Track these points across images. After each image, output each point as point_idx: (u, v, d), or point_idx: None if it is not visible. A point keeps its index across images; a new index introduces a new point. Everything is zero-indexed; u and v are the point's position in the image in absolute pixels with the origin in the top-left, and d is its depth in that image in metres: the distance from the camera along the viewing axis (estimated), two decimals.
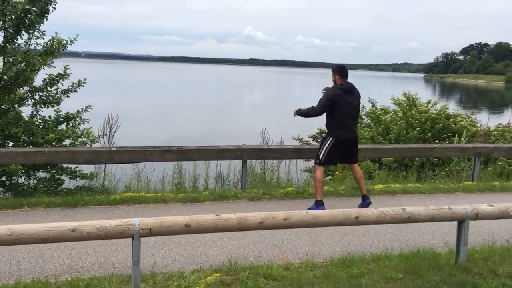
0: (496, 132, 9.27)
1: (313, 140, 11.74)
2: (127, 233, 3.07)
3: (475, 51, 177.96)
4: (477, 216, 3.90)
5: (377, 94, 11.18)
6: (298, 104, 6.20)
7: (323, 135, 6.02)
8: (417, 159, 8.74)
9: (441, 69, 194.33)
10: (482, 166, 8.88)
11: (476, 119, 10.25)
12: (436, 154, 7.36)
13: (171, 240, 4.40)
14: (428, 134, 9.07)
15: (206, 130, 20.42)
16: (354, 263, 3.94)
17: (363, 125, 10.17)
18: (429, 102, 10.10)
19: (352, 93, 5.60)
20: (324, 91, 5.67)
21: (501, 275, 3.79)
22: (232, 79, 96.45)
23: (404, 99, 10.06)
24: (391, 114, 9.90)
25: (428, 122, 9.18)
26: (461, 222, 3.91)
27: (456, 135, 8.41)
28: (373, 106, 10.59)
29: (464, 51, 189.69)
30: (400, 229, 5.11)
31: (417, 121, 9.16)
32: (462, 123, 9.44)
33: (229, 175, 7.89)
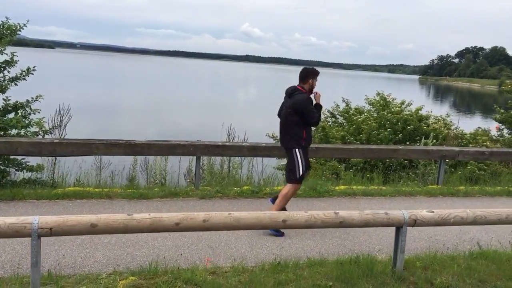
0: (468, 136, 9.11)
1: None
2: (24, 232, 2.85)
3: (470, 54, 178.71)
4: (415, 222, 3.70)
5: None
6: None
7: None
8: (387, 160, 8.57)
9: (436, 72, 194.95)
10: (453, 169, 8.74)
11: (451, 121, 10.09)
12: (400, 156, 7.18)
13: (100, 239, 4.18)
14: (399, 136, 8.90)
15: (189, 125, 20.19)
16: (286, 268, 3.74)
17: (336, 124, 9.98)
18: (402, 102, 9.92)
19: (289, 97, 4.88)
20: None
21: (437, 286, 3.61)
22: (225, 75, 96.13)
23: (377, 99, 9.87)
24: (365, 114, 9.72)
25: (399, 123, 9.00)
26: (399, 228, 3.72)
27: (423, 137, 8.24)
28: (347, 105, 10.41)
29: (460, 54, 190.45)
30: (348, 233, 4.93)
31: (388, 122, 8.98)
32: (435, 125, 9.27)
33: (191, 171, 7.67)
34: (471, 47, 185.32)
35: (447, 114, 10.19)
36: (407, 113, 9.36)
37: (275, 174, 8.21)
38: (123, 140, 5.67)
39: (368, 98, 10.18)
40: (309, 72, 4.91)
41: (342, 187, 6.80)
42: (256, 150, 6.19)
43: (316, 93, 4.95)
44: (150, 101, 28.33)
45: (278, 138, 11.80)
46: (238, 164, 7.90)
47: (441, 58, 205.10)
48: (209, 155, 6.12)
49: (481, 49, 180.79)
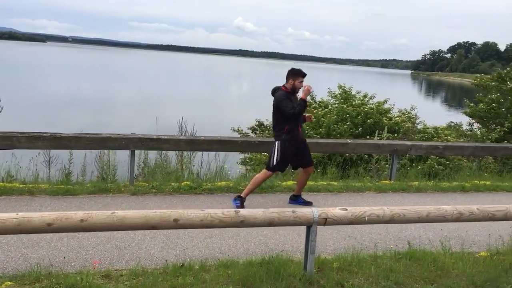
0: (430, 130, 8.87)
1: (252, 132, 11.30)
2: None
3: (462, 49, 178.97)
4: (325, 221, 3.44)
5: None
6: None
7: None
8: (347, 154, 8.32)
9: (428, 67, 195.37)
10: (413, 164, 8.52)
11: (415, 115, 9.84)
12: (349, 151, 6.91)
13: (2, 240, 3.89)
14: (359, 129, 8.65)
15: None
16: (190, 271, 3.48)
17: None
18: (365, 95, 9.67)
19: (272, 96, 5.34)
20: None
21: None
22: (216, 69, 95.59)
23: (340, 91, 9.61)
24: (330, 108, 9.46)
25: (359, 117, 8.75)
26: (309, 227, 3.46)
27: (377, 131, 7.99)
28: (312, 98, 10.13)
29: (452, 49, 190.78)
30: (276, 231, 4.67)
31: (347, 115, 8.72)
32: (397, 118, 9.02)
33: (140, 165, 7.37)
34: (463, 42, 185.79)
35: (411, 108, 9.94)
36: (369, 106, 9.09)
37: (227, 169, 7.92)
38: (47, 133, 5.37)
39: (331, 91, 9.91)
40: (289, 73, 5.22)
41: (290, 182, 6.54)
42: (194, 144, 5.91)
43: (305, 86, 5.13)
44: (131, 95, 27.92)
45: (243, 132, 11.57)
46: (188, 159, 7.62)
47: (433, 53, 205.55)
48: (144, 148, 5.82)
49: (473, 44, 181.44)
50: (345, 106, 8.88)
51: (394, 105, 9.85)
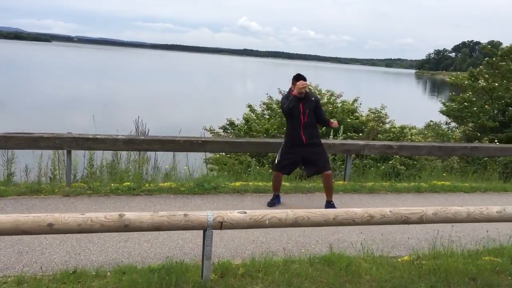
0: (395, 129, 8.66)
1: (223, 132, 11.14)
2: None
3: (467, 49, 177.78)
4: (221, 225, 3.28)
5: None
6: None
7: (315, 140, 5.43)
8: None
9: (432, 66, 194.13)
10: (379, 164, 8.33)
11: (385, 114, 9.62)
12: None
13: None
14: (323, 129, 8.45)
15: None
16: (81, 278, 3.32)
17: (263, 119, 9.52)
18: (332, 94, 9.47)
19: None
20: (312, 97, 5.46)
21: None
22: (217, 69, 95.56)
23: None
24: None
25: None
26: (205, 231, 3.30)
27: (331, 130, 7.79)
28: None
29: (456, 49, 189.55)
30: (199, 234, 4.49)
31: None
32: (363, 118, 8.82)
33: (102, 164, 7.22)
34: (468, 41, 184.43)
35: (381, 107, 9.72)
36: (333, 105, 8.89)
37: (187, 169, 7.74)
38: None
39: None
40: (293, 78, 5.35)
41: (238, 183, 6.38)
42: (133, 144, 5.76)
43: (299, 83, 5.21)
44: (126, 95, 27.88)
45: (215, 132, 11.38)
46: (144, 158, 7.47)
47: (437, 52, 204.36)
48: (79, 148, 5.67)
49: (478, 43, 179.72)
50: None
51: (361, 104, 9.63)
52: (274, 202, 5.63)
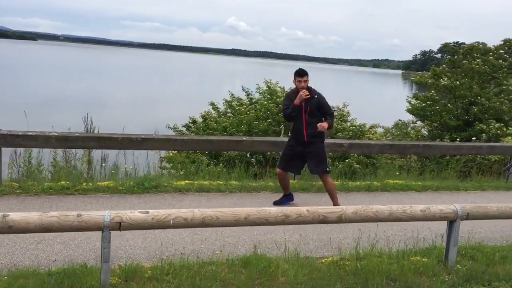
0: (354, 127, 8.54)
1: (186, 130, 10.92)
2: None
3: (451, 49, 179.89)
4: (120, 226, 3.09)
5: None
6: None
7: (315, 139, 5.25)
8: (268, 153, 7.97)
9: (419, 67, 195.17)
10: (337, 163, 8.20)
11: (348, 112, 9.49)
12: (245, 148, 6.56)
13: None
14: (281, 127, 8.31)
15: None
16: None
17: (226, 117, 9.32)
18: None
19: None
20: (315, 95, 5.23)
21: None
22: (203, 68, 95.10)
23: (265, 88, 9.26)
24: (255, 104, 9.10)
25: (280, 114, 8.40)
26: (103, 232, 3.10)
27: (282, 128, 7.65)
28: (248, 95, 9.78)
29: (441, 50, 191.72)
30: (122, 235, 4.29)
31: (268, 112, 8.37)
32: None
33: (40, 163, 6.95)
34: (453, 42, 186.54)
35: (343, 105, 9.58)
36: None
37: (137, 167, 7.49)
38: None
39: (259, 87, 9.56)
40: (294, 73, 5.25)
41: (182, 182, 6.18)
42: (67, 141, 5.52)
43: (299, 91, 5.11)
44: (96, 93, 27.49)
45: (179, 130, 11.14)
46: (106, 156, 7.23)
47: (424, 53, 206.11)
48: (8, 146, 5.41)
49: (462, 44, 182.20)
50: (265, 102, 8.53)
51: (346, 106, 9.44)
52: (282, 201, 5.53)
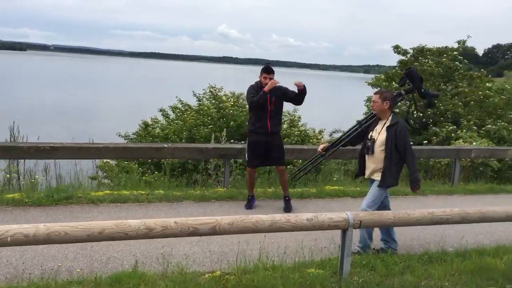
0: (299, 132, 8.27)
1: (137, 137, 10.60)
2: None
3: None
4: None
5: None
6: None
7: (277, 131, 5.56)
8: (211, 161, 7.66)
9: None
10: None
11: (299, 117, 9.22)
12: (167, 156, 6.24)
13: None
14: (223, 133, 8.01)
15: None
16: None
17: (171, 124, 8.98)
18: (238, 96, 9.04)
19: None
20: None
21: None
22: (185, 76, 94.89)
23: (208, 92, 8.99)
24: (205, 109, 8.80)
25: (222, 119, 8.13)
26: None
27: (213, 134, 7.35)
28: (199, 101, 9.50)
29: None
30: (84, 247, 3.97)
31: (209, 118, 8.09)
32: None
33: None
34: (441, 47, 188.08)
35: (294, 110, 9.31)
36: (235, 107, 8.45)
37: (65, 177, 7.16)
38: None
39: (205, 92, 9.28)
40: (261, 69, 5.49)
41: (101, 193, 5.86)
42: (12, 151, 5.22)
43: (271, 80, 5.29)
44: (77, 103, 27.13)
45: (130, 137, 10.79)
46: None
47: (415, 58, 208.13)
48: None
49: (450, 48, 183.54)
50: (206, 108, 8.26)
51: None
52: (251, 204, 5.64)
